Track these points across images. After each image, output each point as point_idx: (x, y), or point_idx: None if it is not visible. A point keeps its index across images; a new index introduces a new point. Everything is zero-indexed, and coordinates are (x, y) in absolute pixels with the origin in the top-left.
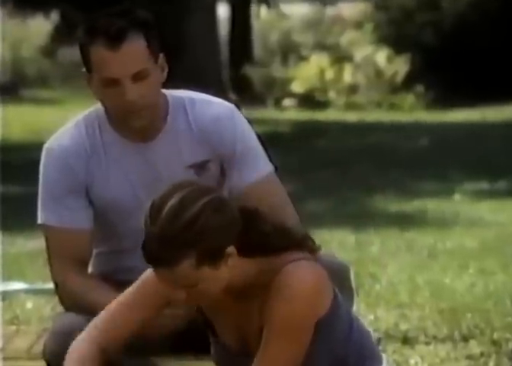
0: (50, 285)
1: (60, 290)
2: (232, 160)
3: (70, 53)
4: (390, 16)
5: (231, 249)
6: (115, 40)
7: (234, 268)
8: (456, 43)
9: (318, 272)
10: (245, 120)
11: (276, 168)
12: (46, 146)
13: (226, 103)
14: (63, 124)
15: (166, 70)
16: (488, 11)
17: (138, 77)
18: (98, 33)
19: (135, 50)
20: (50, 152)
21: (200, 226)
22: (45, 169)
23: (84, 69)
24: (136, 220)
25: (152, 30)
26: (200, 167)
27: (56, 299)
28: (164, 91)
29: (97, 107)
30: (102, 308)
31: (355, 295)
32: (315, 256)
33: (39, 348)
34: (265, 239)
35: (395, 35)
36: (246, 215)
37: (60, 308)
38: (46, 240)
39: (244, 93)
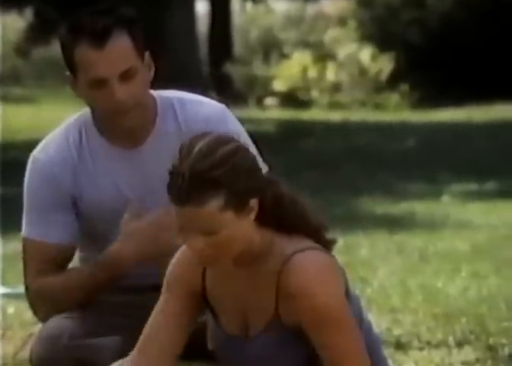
0: None
1: (31, 296)
2: None
3: (44, 51)
4: (374, 13)
5: (254, 202)
6: (100, 38)
7: (252, 228)
8: (442, 42)
9: (326, 261)
10: (237, 121)
11: (270, 169)
12: (32, 154)
13: (217, 103)
14: (38, 124)
15: (153, 69)
16: (475, 9)
17: (126, 76)
18: (82, 33)
19: (121, 48)
20: (36, 162)
21: (233, 165)
22: (29, 179)
23: (67, 72)
24: None
25: (136, 27)
26: None
27: None
28: (151, 91)
29: (85, 110)
30: (81, 285)
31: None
32: (326, 247)
33: (25, 353)
34: (280, 209)
35: (379, 33)
36: (267, 179)
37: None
38: (24, 252)
39: (224, 91)
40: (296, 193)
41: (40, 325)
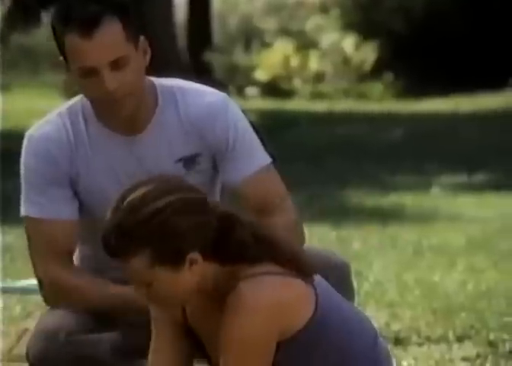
0: (20, 283)
1: (47, 287)
2: (225, 152)
3: (17, 39)
4: (357, 0)
5: (194, 255)
6: (89, 26)
7: (203, 274)
8: (426, 30)
9: (278, 290)
10: (239, 110)
11: (273, 160)
12: (28, 133)
13: (219, 92)
14: (12, 113)
15: (149, 54)
16: None
17: (116, 65)
18: (71, 21)
19: (111, 37)
20: (32, 141)
21: (157, 225)
22: (26, 158)
23: (61, 58)
24: None
25: (129, 13)
26: (190, 160)
27: (26, 298)
28: (152, 79)
29: (82, 96)
30: (102, 301)
31: (355, 293)
32: (303, 273)
33: (20, 349)
34: (243, 248)
35: (362, 21)
36: (225, 220)
37: (32, 307)
38: (27, 233)
39: (204, 80)
40: (257, 224)
41: (33, 320)
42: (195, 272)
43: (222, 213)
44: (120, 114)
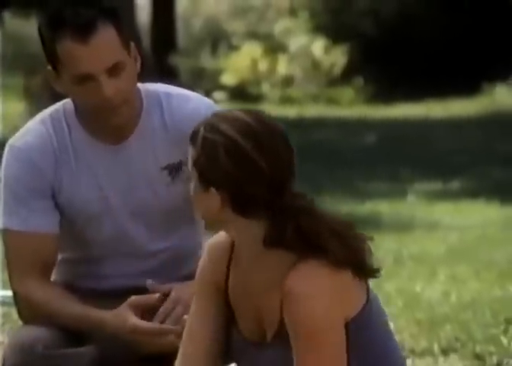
0: None
1: (21, 301)
2: None
3: None
4: (327, 3)
5: (213, 192)
6: (84, 32)
7: (238, 225)
8: (397, 33)
9: (334, 276)
10: None
11: None
12: (9, 142)
13: (205, 98)
14: None
15: (139, 61)
16: (430, 0)
17: (113, 71)
18: (64, 26)
19: (107, 42)
20: (14, 150)
21: (205, 147)
22: (8, 168)
23: (49, 67)
24: (105, 226)
25: (120, 18)
26: (175, 168)
27: None
28: (138, 84)
29: (64, 102)
30: (68, 319)
31: None
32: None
33: None
34: (304, 237)
35: (332, 24)
36: (293, 208)
37: (2, 319)
38: (6, 245)
39: (170, 85)
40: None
41: (3, 333)
42: (214, 206)
43: (295, 203)
44: (113, 123)
